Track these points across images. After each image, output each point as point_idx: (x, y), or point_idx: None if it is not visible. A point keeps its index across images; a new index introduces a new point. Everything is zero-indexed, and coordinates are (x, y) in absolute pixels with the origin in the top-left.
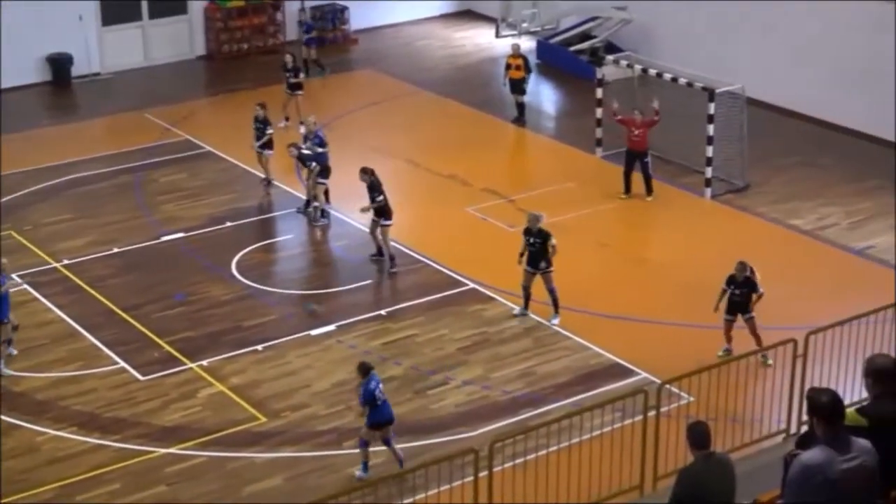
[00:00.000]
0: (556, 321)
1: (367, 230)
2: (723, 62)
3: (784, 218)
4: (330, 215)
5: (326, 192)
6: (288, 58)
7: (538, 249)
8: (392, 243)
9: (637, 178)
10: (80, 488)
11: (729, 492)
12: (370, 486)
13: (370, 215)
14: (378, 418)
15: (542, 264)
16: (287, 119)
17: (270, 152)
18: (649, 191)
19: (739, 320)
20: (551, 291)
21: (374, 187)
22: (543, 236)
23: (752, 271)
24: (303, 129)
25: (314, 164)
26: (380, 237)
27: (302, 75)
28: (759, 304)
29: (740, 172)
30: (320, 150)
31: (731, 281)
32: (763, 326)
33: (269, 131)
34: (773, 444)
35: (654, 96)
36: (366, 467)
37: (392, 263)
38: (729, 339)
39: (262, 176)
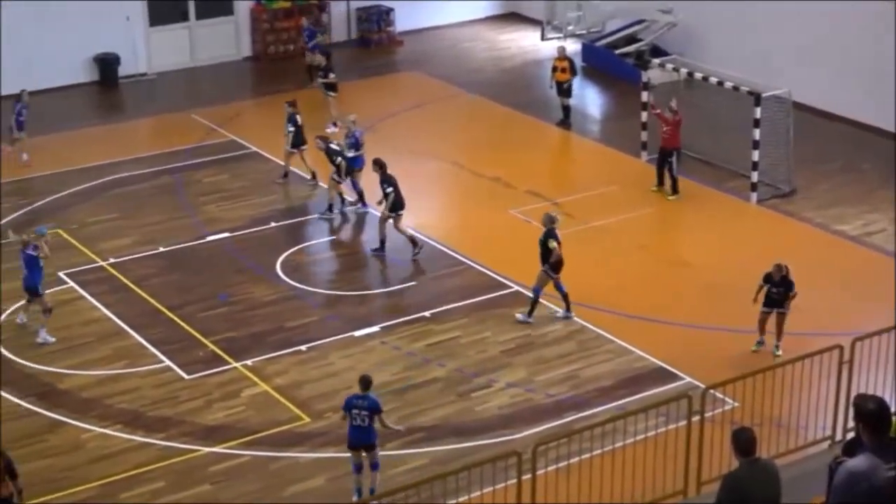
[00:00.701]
0: (520, 317)
1: (410, 230)
2: (769, 66)
3: (830, 223)
4: (334, 209)
5: (361, 195)
6: (320, 58)
7: (542, 248)
8: (434, 244)
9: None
10: (124, 486)
11: (774, 498)
12: (412, 488)
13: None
14: (349, 438)
15: (549, 261)
16: (335, 123)
17: (304, 147)
18: (674, 190)
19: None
20: (533, 290)
21: (386, 180)
22: (545, 235)
23: (787, 271)
24: (331, 129)
25: (339, 159)
26: (389, 228)
27: (332, 75)
28: (807, 311)
29: (786, 177)
30: (351, 152)
31: (767, 279)
32: (809, 332)
33: (290, 129)
34: (818, 450)
35: (672, 96)
36: (358, 493)
37: (416, 247)
38: (762, 332)
39: (308, 175)
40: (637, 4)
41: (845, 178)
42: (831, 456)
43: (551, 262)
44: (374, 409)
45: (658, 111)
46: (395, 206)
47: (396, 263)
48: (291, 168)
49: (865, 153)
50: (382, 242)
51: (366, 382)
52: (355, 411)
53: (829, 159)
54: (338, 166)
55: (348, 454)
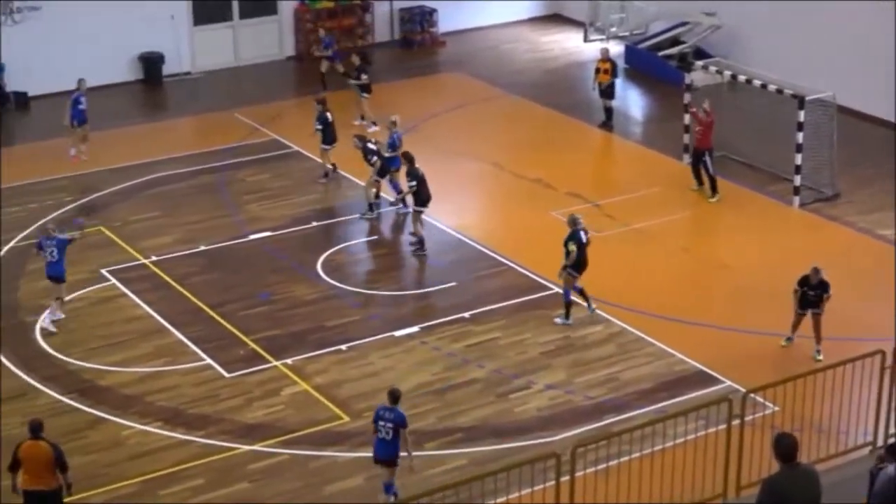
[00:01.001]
0: (558, 321)
1: (445, 228)
2: (813, 68)
3: (873, 228)
4: (379, 209)
5: (404, 198)
6: (354, 59)
7: (566, 250)
8: (475, 245)
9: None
10: (163, 483)
11: (814, 503)
12: (451, 488)
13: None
14: (374, 450)
15: (564, 262)
16: (374, 123)
17: (334, 145)
18: (714, 191)
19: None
20: (564, 292)
21: (411, 173)
22: (568, 237)
23: (825, 275)
24: (373, 128)
25: (375, 158)
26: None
27: (364, 76)
28: (849, 316)
29: (829, 181)
30: (388, 152)
31: (804, 282)
32: (851, 337)
33: (318, 126)
34: (858, 456)
35: (705, 99)
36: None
37: (420, 248)
38: (794, 330)
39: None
40: (681, 7)
41: (889, 183)
42: (872, 462)
43: (572, 263)
44: (400, 423)
45: (693, 110)
46: (420, 200)
47: (436, 265)
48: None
49: None
50: (420, 241)
51: (394, 396)
52: (381, 423)
53: (872, 164)
54: (373, 165)
55: None
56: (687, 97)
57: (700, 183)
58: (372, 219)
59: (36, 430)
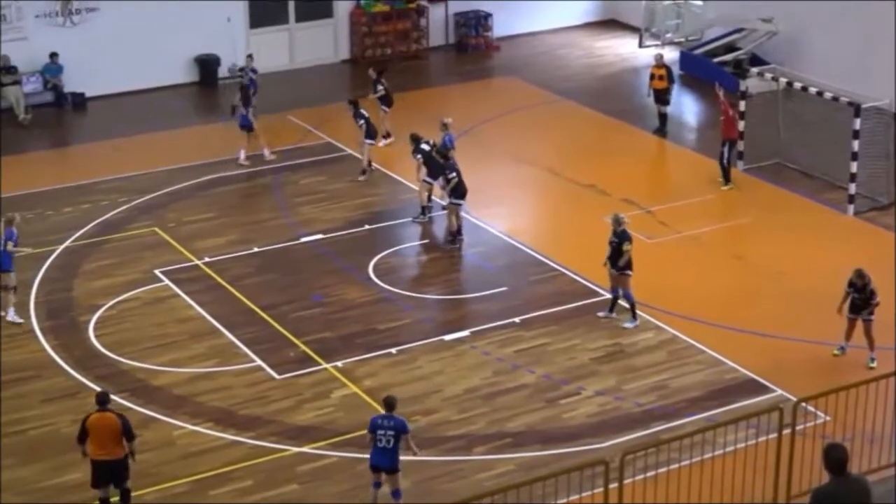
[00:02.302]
0: (628, 324)
1: (498, 233)
2: (870, 77)
3: None
4: (431, 212)
5: (458, 202)
6: (371, 72)
7: (615, 249)
8: (527, 250)
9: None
10: (213, 484)
11: None
12: (499, 493)
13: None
14: (371, 460)
15: (620, 264)
16: (388, 135)
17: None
18: (726, 179)
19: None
20: (626, 296)
21: (450, 167)
22: (620, 237)
23: (870, 280)
24: (384, 141)
25: (420, 157)
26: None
27: (381, 87)
28: None
29: (885, 189)
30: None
31: (851, 284)
32: None
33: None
34: None
35: (721, 88)
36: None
37: (454, 239)
38: (848, 338)
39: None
40: (738, 12)
41: None
42: None
43: (624, 264)
44: (401, 430)
45: (724, 100)
46: (458, 193)
47: (487, 269)
48: (373, 165)
49: None
50: (453, 234)
51: (390, 404)
52: (380, 432)
53: None
54: (430, 171)
55: (438, 458)
56: (743, 105)
57: (727, 180)
58: (424, 222)
59: (103, 401)
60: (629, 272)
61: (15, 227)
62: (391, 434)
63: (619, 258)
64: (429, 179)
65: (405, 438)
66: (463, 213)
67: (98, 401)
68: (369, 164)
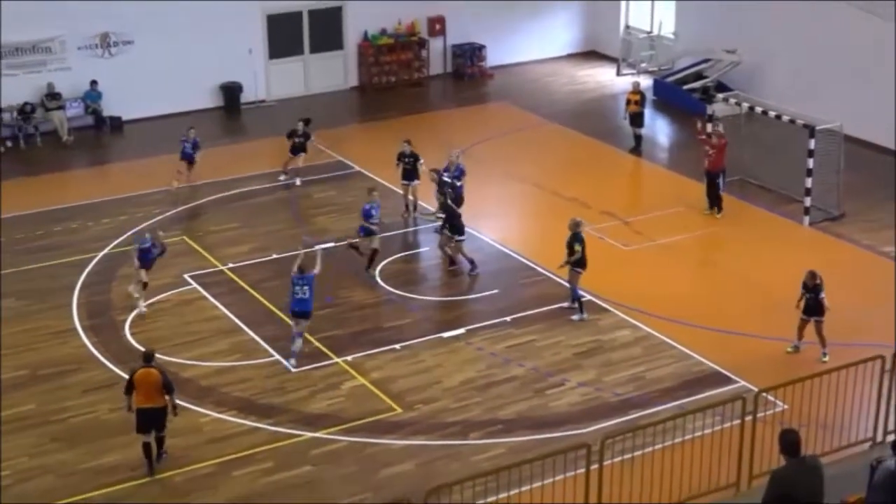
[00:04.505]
0: (575, 318)
1: (491, 241)
2: (823, 101)
3: (876, 245)
4: (459, 262)
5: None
6: (300, 125)
7: (569, 248)
8: (517, 256)
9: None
10: (236, 465)
11: (817, 492)
12: (492, 474)
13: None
14: (292, 308)
15: (570, 260)
16: (286, 173)
17: (417, 182)
18: (719, 208)
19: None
20: (573, 290)
21: (441, 184)
22: (572, 238)
23: (821, 280)
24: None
25: (450, 190)
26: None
27: (306, 139)
28: (852, 324)
29: (837, 203)
30: (459, 182)
31: (804, 285)
32: (854, 343)
33: (421, 162)
34: (859, 450)
35: (719, 122)
36: (294, 353)
37: (473, 268)
38: (800, 337)
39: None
40: (705, 45)
41: (892, 205)
42: (872, 456)
43: (576, 261)
44: (311, 283)
45: (703, 136)
46: (458, 230)
47: (481, 274)
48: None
49: None
50: (471, 261)
51: (301, 269)
52: (297, 287)
53: (875, 187)
54: (455, 197)
55: (437, 442)
56: (702, 125)
57: (712, 206)
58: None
59: (149, 358)
60: (579, 270)
61: (156, 241)
62: (307, 287)
63: (571, 255)
64: (460, 238)
65: (313, 285)
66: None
67: (144, 358)
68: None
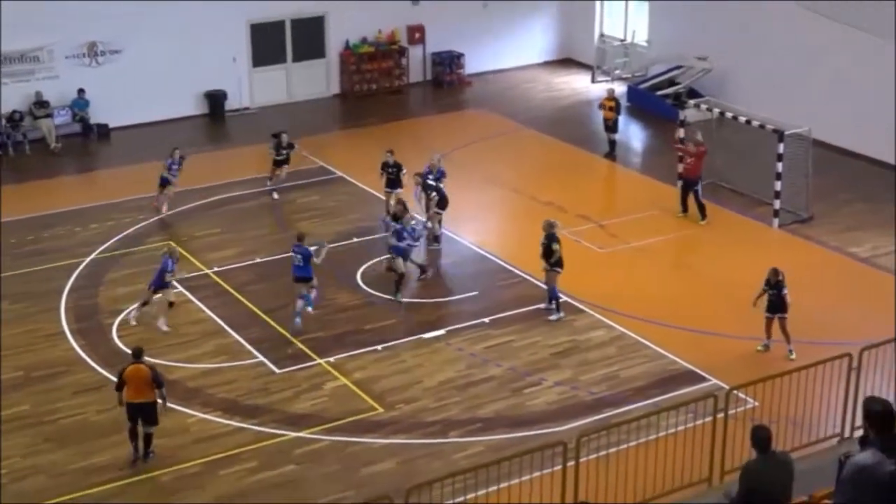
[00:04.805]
0: (553, 317)
1: (469, 244)
2: (792, 107)
3: (843, 246)
4: (441, 240)
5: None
6: (284, 137)
7: (546, 249)
8: (495, 259)
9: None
10: (222, 464)
11: (787, 487)
12: (471, 472)
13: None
14: (293, 274)
15: (550, 261)
16: (275, 191)
17: (400, 190)
18: (703, 215)
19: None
20: (551, 290)
21: (426, 187)
22: (549, 239)
23: (783, 276)
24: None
25: (434, 193)
26: (435, 223)
27: (286, 152)
28: (821, 323)
29: (805, 205)
30: (440, 184)
31: (767, 282)
32: (822, 342)
33: (404, 171)
34: (828, 446)
35: (698, 131)
36: (298, 315)
37: (432, 240)
38: (768, 336)
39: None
40: (677, 52)
41: (859, 208)
42: (840, 451)
43: (555, 261)
44: (307, 255)
45: (679, 145)
46: (441, 204)
47: (460, 276)
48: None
49: (877, 186)
50: (437, 236)
51: (300, 236)
52: (294, 254)
53: (843, 190)
54: (440, 199)
55: (418, 440)
56: (680, 132)
57: (685, 210)
58: (438, 249)
59: (138, 354)
60: (558, 269)
61: (171, 257)
62: (300, 257)
63: (549, 256)
64: (438, 211)
65: (311, 260)
66: (441, 228)
67: (133, 354)
68: (435, 235)
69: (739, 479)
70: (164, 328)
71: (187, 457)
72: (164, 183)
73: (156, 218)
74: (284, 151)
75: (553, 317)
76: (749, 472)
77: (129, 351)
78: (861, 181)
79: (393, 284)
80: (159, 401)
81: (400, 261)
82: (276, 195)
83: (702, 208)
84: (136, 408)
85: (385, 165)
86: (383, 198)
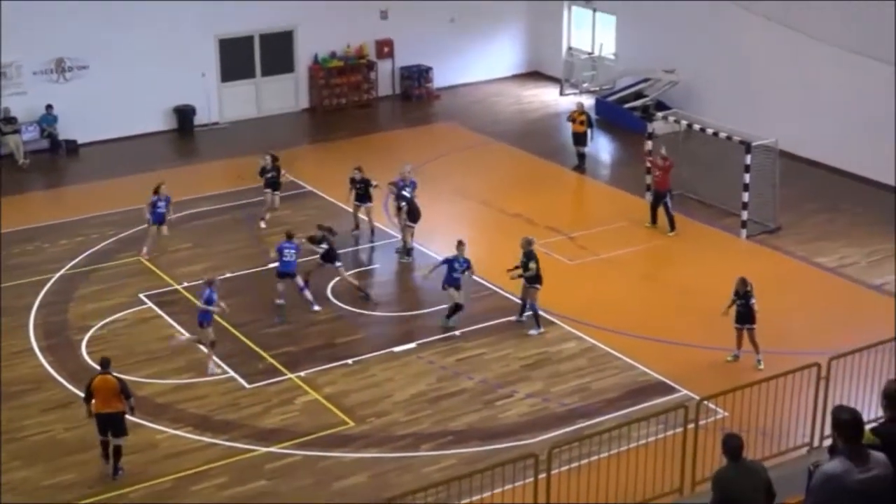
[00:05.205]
0: (533, 332)
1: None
2: (759, 119)
3: (810, 256)
4: (413, 253)
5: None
6: (267, 158)
7: (523, 265)
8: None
9: (663, 213)
10: (193, 481)
11: (759, 494)
12: (443, 485)
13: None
14: (279, 270)
15: (527, 277)
16: (264, 219)
17: (370, 205)
18: (671, 227)
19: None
20: (532, 307)
21: (399, 197)
22: (527, 256)
23: (751, 287)
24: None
25: (405, 204)
26: (407, 236)
27: (277, 174)
28: (789, 333)
29: (772, 216)
30: (413, 195)
31: (735, 292)
32: (790, 351)
33: (373, 186)
34: (798, 455)
35: (662, 146)
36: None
37: (404, 254)
38: (738, 346)
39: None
40: (644, 65)
41: (825, 218)
42: (810, 460)
43: (532, 277)
44: (298, 250)
45: (651, 158)
46: (410, 214)
47: (431, 289)
48: (345, 206)
49: (844, 195)
50: (409, 249)
51: (288, 234)
52: (286, 250)
53: (809, 201)
54: (410, 211)
55: (389, 454)
56: (648, 144)
57: (654, 221)
58: (409, 262)
59: (105, 365)
60: (538, 286)
61: (214, 288)
62: (293, 251)
63: (526, 271)
64: (410, 224)
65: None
66: (412, 241)
67: (101, 365)
68: (407, 248)
69: (712, 487)
70: (217, 371)
71: (158, 473)
72: (159, 221)
73: (125, 234)
74: (269, 175)
75: (533, 331)
76: (720, 479)
77: (98, 368)
78: (828, 191)
79: (447, 310)
80: (128, 409)
81: (453, 290)
82: (263, 224)
83: (671, 220)
84: (104, 418)
85: (353, 181)
86: (351, 210)
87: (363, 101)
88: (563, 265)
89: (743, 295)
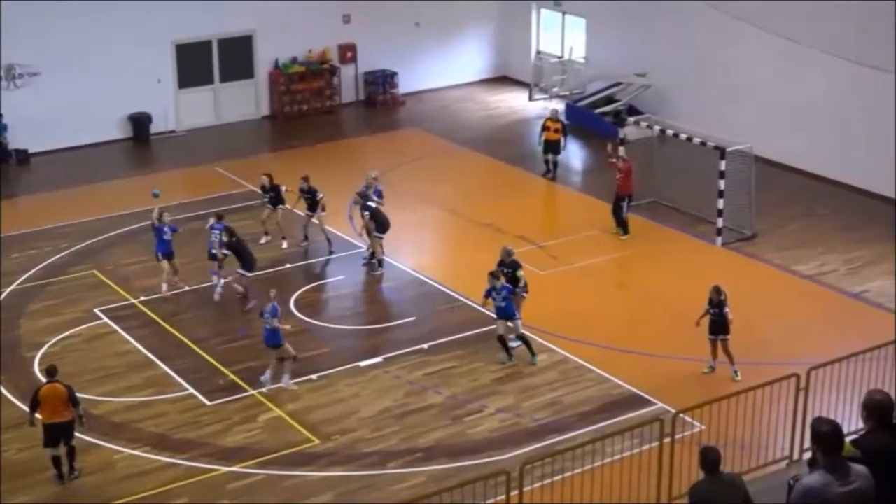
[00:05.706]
0: (513, 345)
1: (406, 268)
2: (733, 123)
3: (788, 264)
4: (384, 265)
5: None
6: (264, 178)
7: (510, 278)
8: (433, 283)
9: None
10: (153, 502)
11: None
12: (412, 503)
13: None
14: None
15: (519, 285)
16: (266, 233)
17: (322, 213)
18: (624, 230)
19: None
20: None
21: (365, 207)
22: (512, 266)
23: (725, 296)
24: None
25: (368, 213)
26: (377, 247)
27: (277, 192)
28: (766, 343)
29: (748, 223)
30: (374, 203)
31: (709, 301)
32: (768, 362)
33: (319, 196)
34: (777, 468)
35: (620, 147)
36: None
37: (375, 265)
38: (714, 357)
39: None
40: (615, 69)
41: (804, 224)
42: (789, 474)
43: (523, 286)
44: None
45: (613, 160)
46: (380, 227)
47: (398, 301)
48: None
49: (821, 201)
50: (372, 254)
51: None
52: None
53: (786, 207)
54: (379, 224)
55: (355, 472)
56: (609, 147)
57: (618, 227)
58: (379, 274)
59: (52, 373)
60: (524, 294)
61: (277, 302)
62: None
63: (515, 284)
64: (379, 234)
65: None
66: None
67: (48, 373)
68: (374, 256)
69: (689, 501)
70: (291, 386)
71: (115, 494)
72: (167, 254)
73: (81, 245)
74: (268, 195)
75: (515, 344)
76: (697, 493)
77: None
78: (804, 197)
79: (525, 345)
80: (77, 418)
81: (507, 322)
82: (262, 240)
83: (624, 223)
84: (54, 428)
85: (301, 191)
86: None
87: (326, 107)
88: (534, 275)
89: (717, 304)
